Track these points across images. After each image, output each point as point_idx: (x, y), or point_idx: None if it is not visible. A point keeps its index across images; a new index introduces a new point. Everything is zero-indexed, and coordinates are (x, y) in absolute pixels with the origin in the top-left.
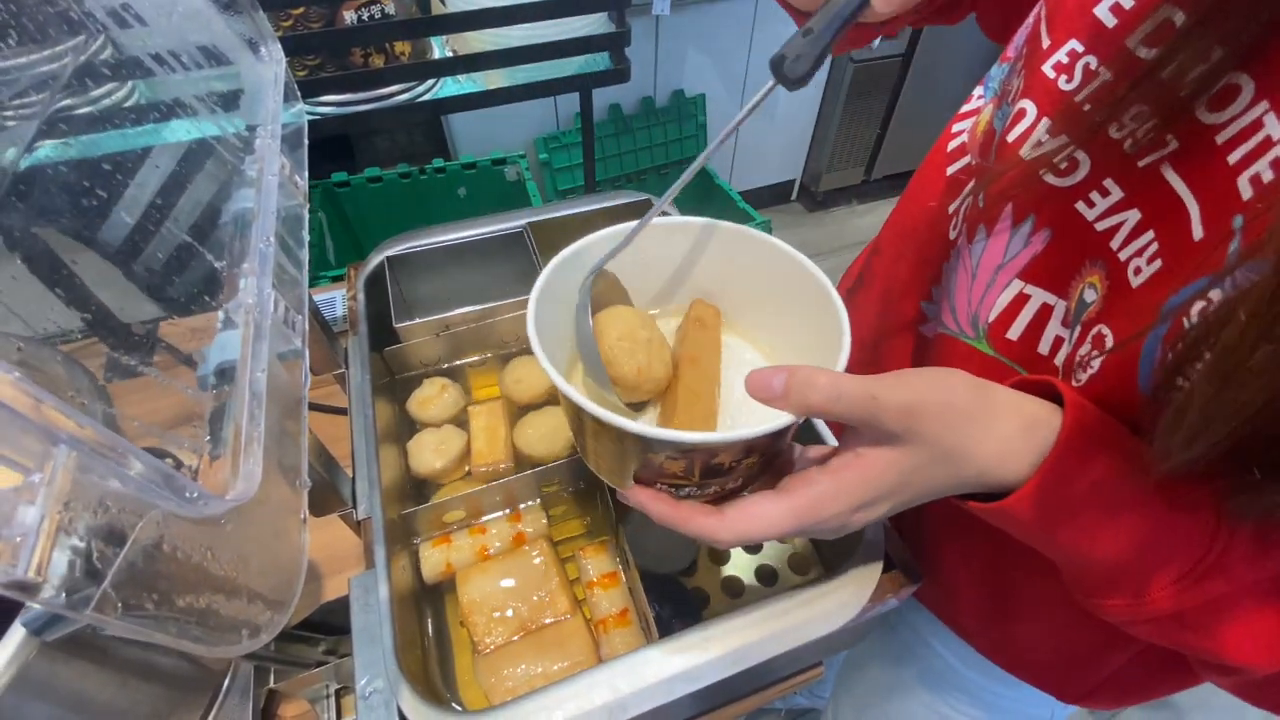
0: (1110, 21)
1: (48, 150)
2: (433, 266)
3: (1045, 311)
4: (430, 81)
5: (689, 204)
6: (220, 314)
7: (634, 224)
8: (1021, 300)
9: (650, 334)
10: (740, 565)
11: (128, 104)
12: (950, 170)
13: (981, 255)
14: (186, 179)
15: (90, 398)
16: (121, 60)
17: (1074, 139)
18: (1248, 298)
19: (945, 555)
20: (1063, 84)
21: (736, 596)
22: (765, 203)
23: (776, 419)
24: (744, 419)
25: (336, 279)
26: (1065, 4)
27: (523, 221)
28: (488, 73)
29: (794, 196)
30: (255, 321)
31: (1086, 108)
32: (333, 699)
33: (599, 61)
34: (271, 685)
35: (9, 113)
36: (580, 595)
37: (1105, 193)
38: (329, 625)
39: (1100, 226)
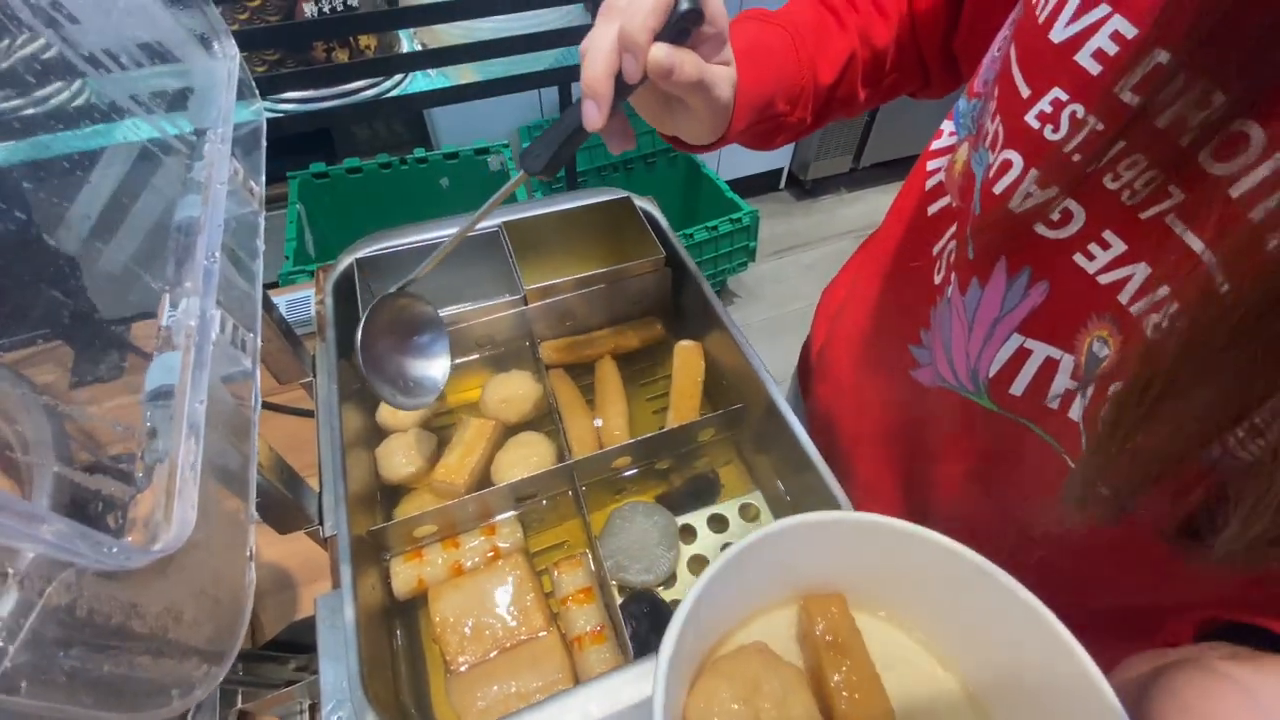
0: (1094, 69)
1: None
2: (405, 268)
3: (1050, 366)
4: (399, 76)
5: (674, 195)
6: (159, 335)
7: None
8: (1023, 355)
9: (757, 694)
10: None
11: (53, 108)
12: (931, 210)
13: (977, 308)
14: (123, 191)
15: (34, 416)
16: (49, 62)
17: (1065, 190)
18: None
19: None
20: (1049, 134)
21: None
22: (753, 192)
23: None
24: None
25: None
26: (1040, 49)
27: (498, 221)
28: (460, 67)
29: (782, 185)
30: (196, 346)
31: (1076, 158)
32: (306, 714)
33: (576, 54)
34: (240, 706)
35: None
36: (555, 609)
37: (1105, 245)
38: (298, 645)
39: (1104, 279)
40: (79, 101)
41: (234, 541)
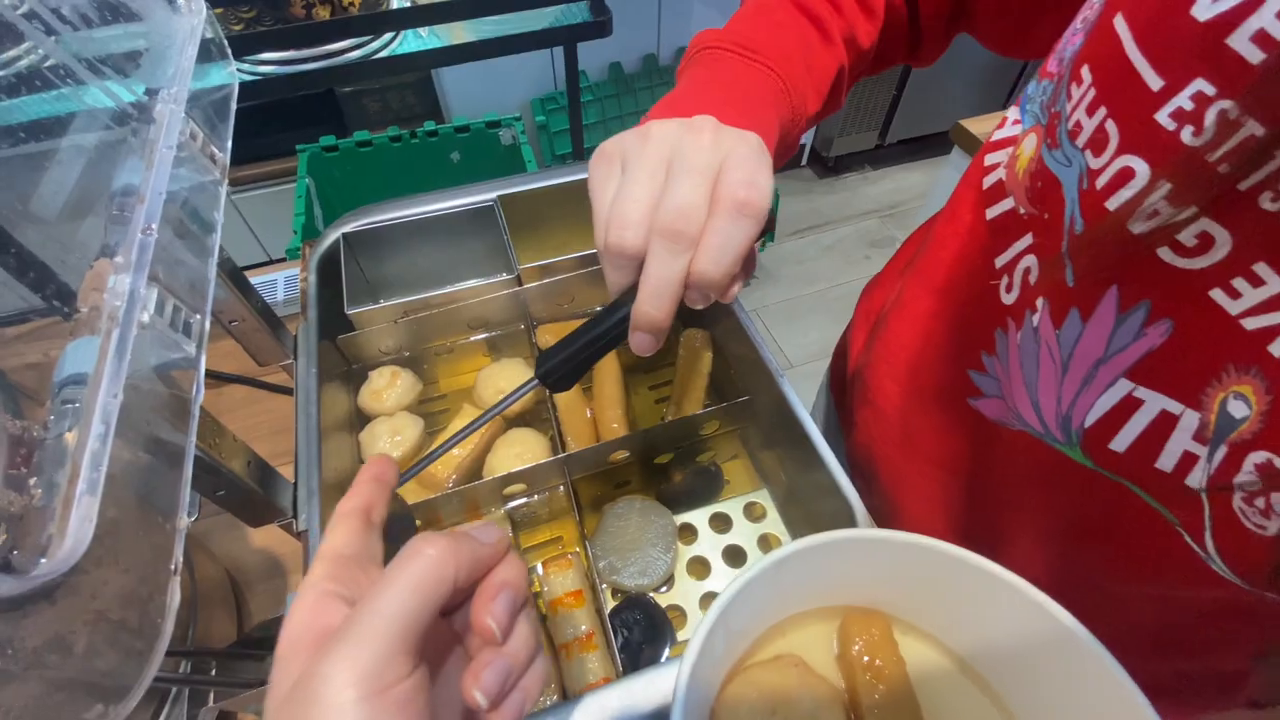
0: (1255, 57)
1: None
2: (396, 243)
3: (1166, 421)
4: (389, 36)
5: None
6: (78, 316)
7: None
8: (1131, 405)
9: (788, 705)
10: (722, 578)
11: None
12: (991, 214)
13: (1075, 345)
14: (65, 160)
15: None
16: None
17: (1206, 209)
18: None
19: None
20: (1187, 138)
21: None
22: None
23: None
24: None
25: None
26: (1176, 29)
27: (493, 195)
28: (452, 26)
29: (804, 162)
30: (119, 329)
31: (1224, 169)
32: None
33: (576, 12)
34: (215, 705)
35: None
36: (543, 611)
37: (1257, 281)
38: (273, 641)
39: (1251, 324)
40: (24, 63)
41: (154, 555)
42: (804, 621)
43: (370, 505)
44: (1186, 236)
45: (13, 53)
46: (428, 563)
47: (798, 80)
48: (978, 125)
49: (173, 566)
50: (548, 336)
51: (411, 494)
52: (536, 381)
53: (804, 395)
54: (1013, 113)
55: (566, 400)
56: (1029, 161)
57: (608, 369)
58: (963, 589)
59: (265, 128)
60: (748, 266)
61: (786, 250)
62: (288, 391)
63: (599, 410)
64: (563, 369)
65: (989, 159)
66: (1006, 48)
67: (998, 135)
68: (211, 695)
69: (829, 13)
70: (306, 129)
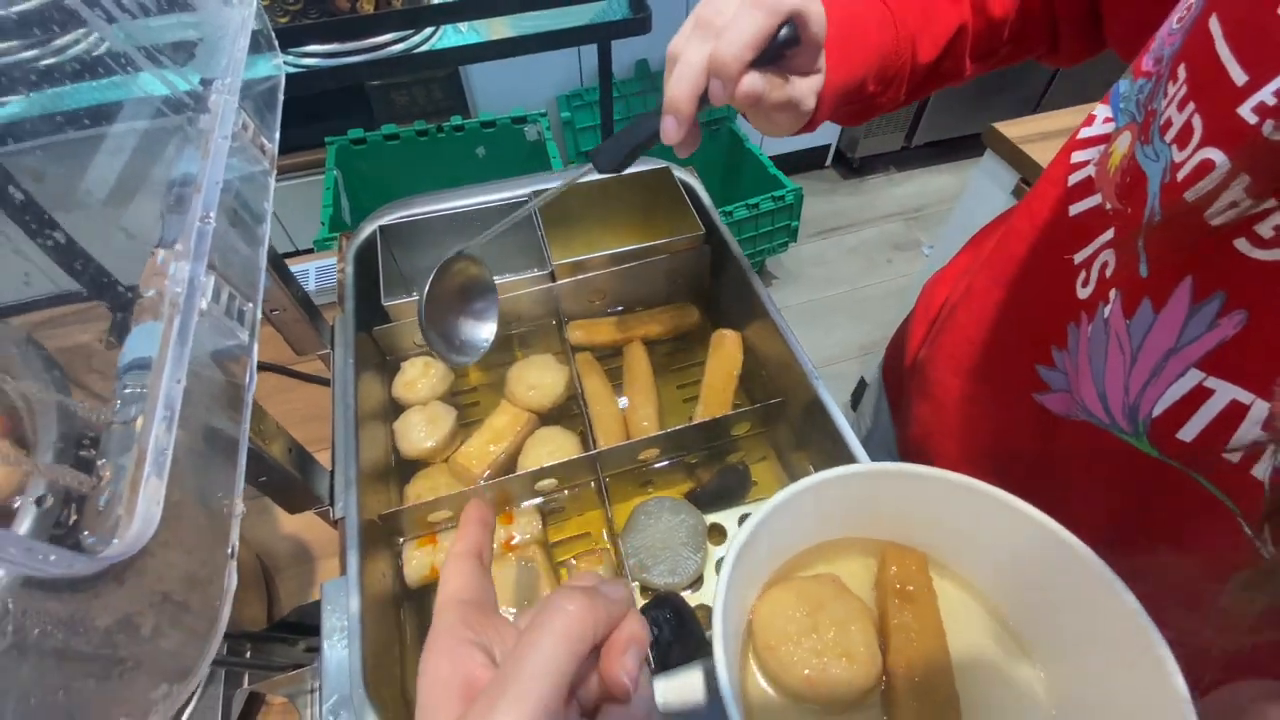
0: None
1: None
2: (430, 237)
3: (1236, 411)
4: (429, 31)
5: (715, 168)
6: (140, 302)
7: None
8: (1201, 395)
9: (820, 614)
10: None
11: (55, 62)
12: (1074, 210)
13: (1146, 335)
14: (124, 148)
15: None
16: (44, 8)
17: None
18: None
19: None
20: (1268, 130)
21: None
22: (797, 168)
23: None
24: None
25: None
26: (1263, 25)
27: (527, 190)
28: (491, 22)
29: (828, 162)
30: (180, 315)
31: None
32: (318, 694)
33: (616, 9)
34: (248, 687)
35: None
36: None
37: None
38: (307, 626)
39: None
40: (79, 51)
41: (213, 539)
42: (847, 553)
43: (480, 548)
44: (1265, 228)
45: (73, 36)
46: (570, 620)
47: (909, 24)
48: (1012, 129)
49: (229, 550)
50: (578, 333)
51: (445, 487)
52: (589, 164)
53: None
54: (1102, 110)
55: (598, 398)
56: (1121, 159)
57: (639, 368)
58: (990, 525)
59: (294, 120)
60: (772, 79)
61: (809, 251)
62: (320, 381)
63: (630, 409)
64: (610, 150)
65: (1075, 156)
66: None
67: (1085, 133)
68: (246, 677)
69: None
70: (335, 121)
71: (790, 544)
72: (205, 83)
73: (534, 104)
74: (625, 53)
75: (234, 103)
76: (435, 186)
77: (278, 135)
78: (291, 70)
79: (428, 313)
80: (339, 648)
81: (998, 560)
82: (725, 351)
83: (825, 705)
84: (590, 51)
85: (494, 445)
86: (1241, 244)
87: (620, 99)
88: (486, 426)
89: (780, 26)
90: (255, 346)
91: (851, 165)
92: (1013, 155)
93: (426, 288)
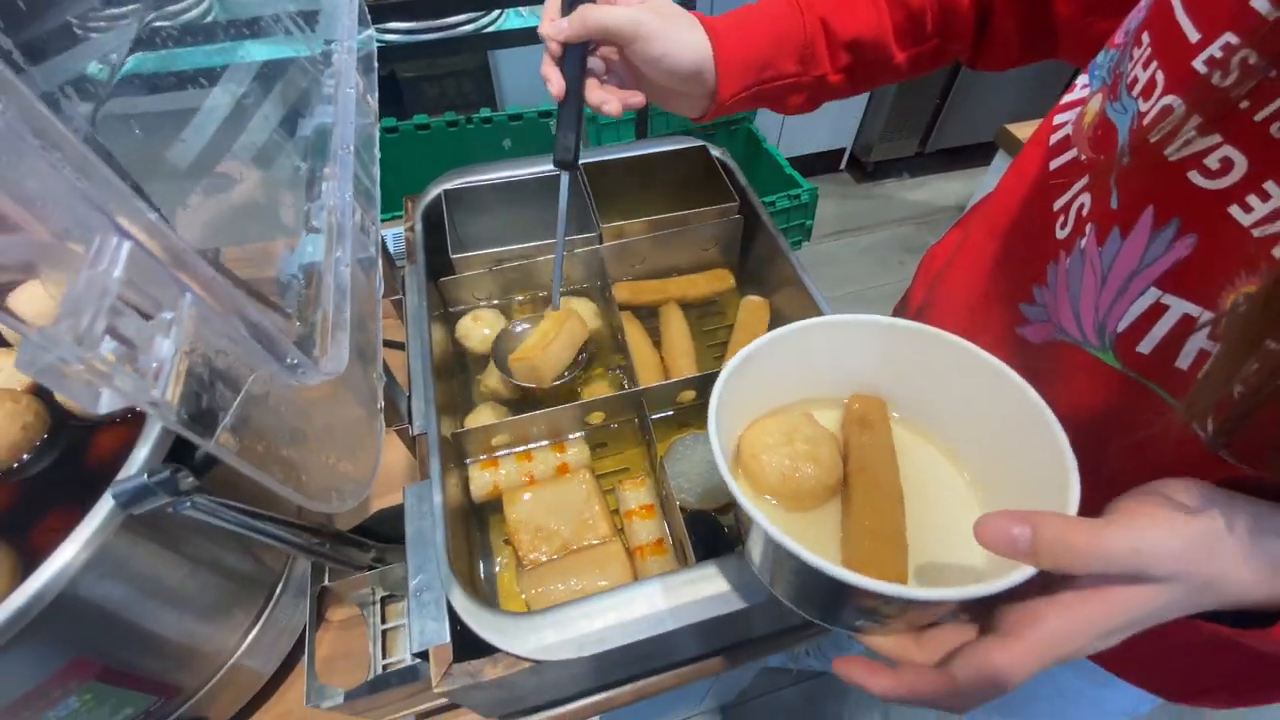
0: (1270, 13)
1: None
2: (484, 204)
3: (1187, 323)
4: (496, 13)
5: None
6: (303, 217)
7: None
8: (1158, 311)
9: (795, 434)
10: None
11: (206, 20)
12: (1054, 165)
13: (1114, 260)
14: (269, 97)
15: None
16: None
17: (1229, 139)
18: None
19: None
20: (1216, 79)
21: None
22: (813, 170)
23: (1007, 571)
24: (941, 548)
25: (385, 221)
26: None
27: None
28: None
29: (843, 166)
30: (338, 223)
31: (1244, 104)
32: (379, 605)
33: None
34: (326, 583)
35: (99, 23)
36: (619, 525)
37: (1266, 196)
38: (378, 533)
39: (1259, 233)
40: (219, 17)
41: (369, 393)
42: (821, 407)
43: None
44: (1212, 161)
45: (198, 9)
46: None
47: (816, 4)
48: (1024, 130)
49: (379, 405)
50: (624, 292)
51: (492, 414)
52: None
53: None
54: (1081, 80)
55: (639, 347)
56: (1094, 116)
57: (676, 327)
58: (941, 366)
59: None
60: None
61: (822, 251)
62: (388, 345)
63: (669, 359)
64: (559, 149)
65: (1058, 119)
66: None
67: (1067, 99)
68: (326, 573)
69: None
70: None
71: (775, 386)
72: (328, 43)
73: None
74: None
75: (352, 61)
76: None
77: (377, 95)
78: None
79: None
80: (424, 539)
81: (936, 391)
82: (751, 313)
83: (796, 500)
84: None
85: (546, 338)
86: (1194, 175)
87: None
88: (536, 330)
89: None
90: (380, 260)
91: (865, 169)
92: None
93: None
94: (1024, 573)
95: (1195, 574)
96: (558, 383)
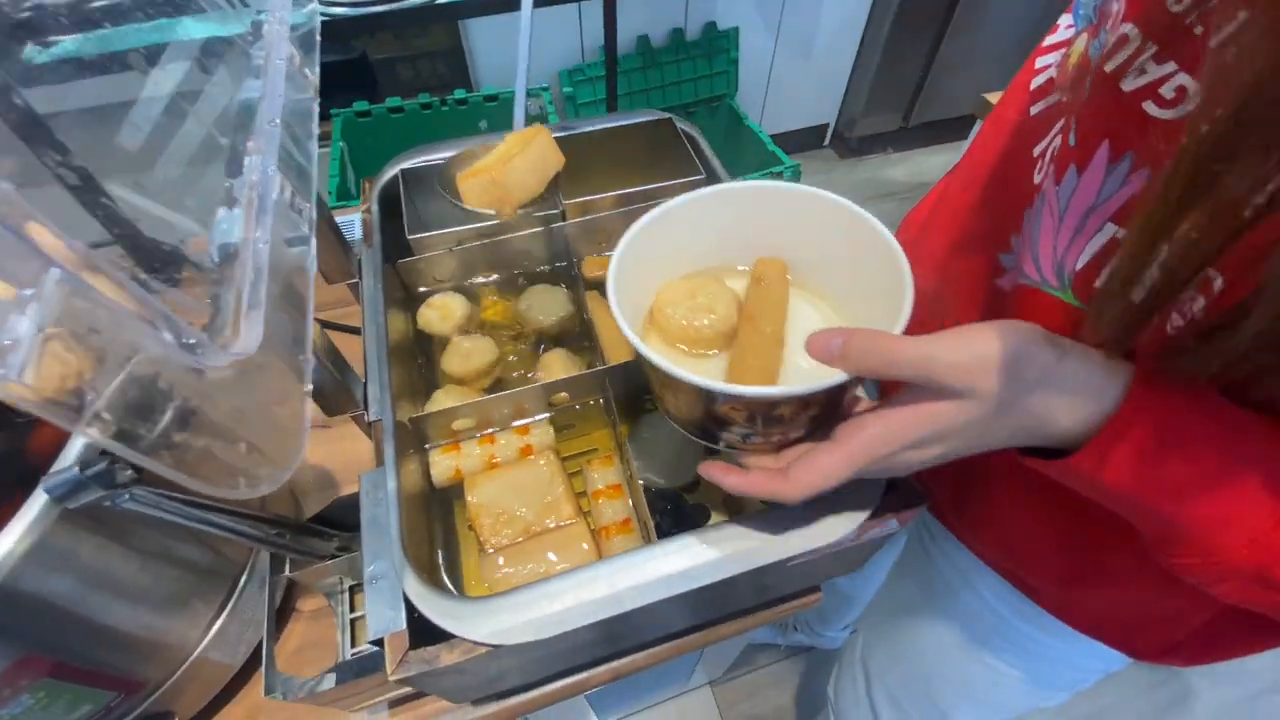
0: None
1: (66, 46)
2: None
3: None
4: None
5: (714, 144)
6: (222, 193)
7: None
8: (1114, 246)
9: (699, 290)
10: None
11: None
12: (1035, 109)
13: (1071, 197)
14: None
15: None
16: None
17: (1184, 66)
18: None
19: (1019, 519)
20: (1172, 6)
21: (737, 513)
22: (796, 147)
23: (834, 376)
24: (802, 379)
25: (354, 207)
26: None
27: None
28: None
29: (826, 142)
30: (259, 198)
31: (1198, 30)
32: (347, 594)
33: None
34: (286, 573)
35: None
36: (585, 506)
37: None
38: (341, 523)
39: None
40: None
41: (292, 374)
42: (731, 275)
43: None
44: (1167, 90)
45: None
46: None
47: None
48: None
49: (306, 389)
50: (593, 268)
51: (456, 397)
52: None
53: None
54: (1065, 19)
55: (606, 325)
56: (1078, 56)
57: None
58: (818, 221)
59: None
60: None
61: None
62: (339, 328)
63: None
64: None
65: (1040, 61)
66: None
67: (1050, 40)
68: (287, 564)
69: None
70: (340, 95)
71: (688, 253)
72: (259, 14)
73: (535, 78)
74: (625, 28)
75: (284, 33)
76: None
77: (318, 69)
78: (321, 19)
79: None
80: (378, 525)
81: (820, 245)
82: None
83: (697, 345)
84: (592, 25)
85: (507, 154)
86: (1149, 106)
87: (622, 74)
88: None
89: None
90: (314, 239)
91: (849, 145)
92: None
93: None
94: (838, 378)
95: (987, 391)
96: (526, 211)
